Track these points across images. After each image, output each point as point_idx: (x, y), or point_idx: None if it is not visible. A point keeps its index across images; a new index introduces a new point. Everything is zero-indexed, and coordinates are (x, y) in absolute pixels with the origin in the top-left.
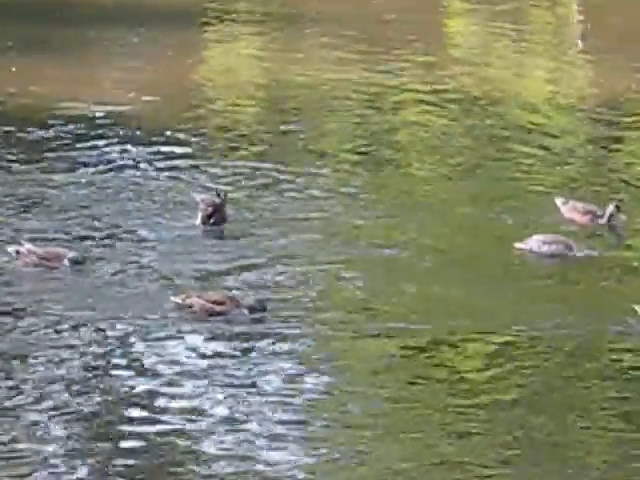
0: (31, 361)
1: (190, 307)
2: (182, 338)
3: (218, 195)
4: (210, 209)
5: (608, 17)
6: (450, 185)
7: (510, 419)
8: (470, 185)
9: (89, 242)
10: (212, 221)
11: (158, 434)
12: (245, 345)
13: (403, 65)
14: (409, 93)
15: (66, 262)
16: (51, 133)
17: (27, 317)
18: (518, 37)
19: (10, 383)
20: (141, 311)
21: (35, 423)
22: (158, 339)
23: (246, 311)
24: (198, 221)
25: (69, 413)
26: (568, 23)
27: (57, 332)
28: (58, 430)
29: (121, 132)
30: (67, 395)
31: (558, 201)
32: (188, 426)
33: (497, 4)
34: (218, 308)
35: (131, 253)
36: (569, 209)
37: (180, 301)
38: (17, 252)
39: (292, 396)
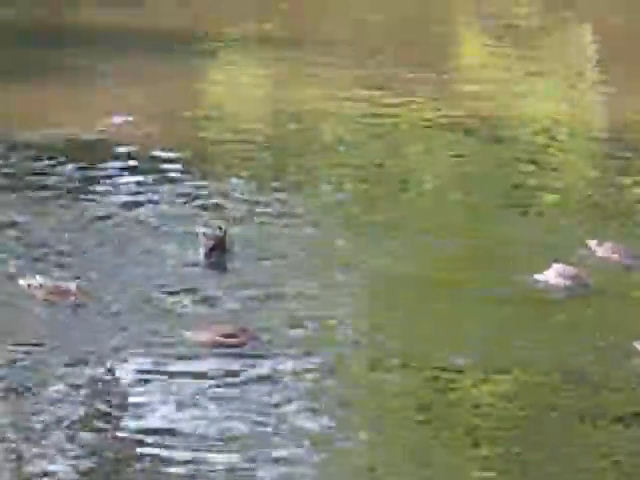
0: (38, 397)
1: (200, 341)
2: (194, 373)
3: (220, 228)
4: (211, 243)
5: (623, 40)
6: (463, 211)
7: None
8: (484, 211)
9: (91, 275)
10: (213, 256)
11: (167, 474)
12: (256, 379)
13: (411, 87)
14: (417, 115)
15: (73, 298)
16: (40, 161)
17: (34, 352)
18: (531, 58)
19: (16, 418)
20: (151, 346)
21: (41, 457)
22: (170, 375)
23: (263, 342)
24: (201, 255)
25: (75, 450)
26: (582, 45)
27: (65, 367)
28: (64, 467)
29: (117, 160)
30: (74, 432)
31: (592, 243)
32: (200, 467)
33: (508, 25)
34: (229, 341)
35: (135, 287)
36: (604, 249)
37: (190, 335)
38: (29, 285)
39: (299, 433)
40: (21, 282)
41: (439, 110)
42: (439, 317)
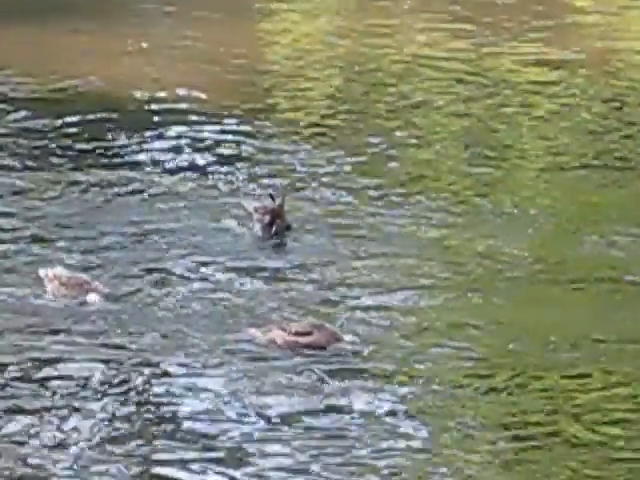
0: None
1: (272, 341)
2: (259, 377)
3: (272, 198)
4: (267, 217)
5: None
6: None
7: None
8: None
9: (130, 257)
10: (273, 231)
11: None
12: (333, 386)
13: (507, 41)
14: (518, 66)
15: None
16: (86, 121)
17: (63, 348)
18: None
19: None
20: (210, 345)
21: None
22: (233, 379)
23: (345, 343)
24: (257, 232)
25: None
26: None
27: (111, 369)
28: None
29: (168, 120)
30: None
31: None
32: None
33: None
34: (304, 340)
35: (186, 272)
36: None
37: (259, 335)
38: (49, 276)
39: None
40: (42, 272)
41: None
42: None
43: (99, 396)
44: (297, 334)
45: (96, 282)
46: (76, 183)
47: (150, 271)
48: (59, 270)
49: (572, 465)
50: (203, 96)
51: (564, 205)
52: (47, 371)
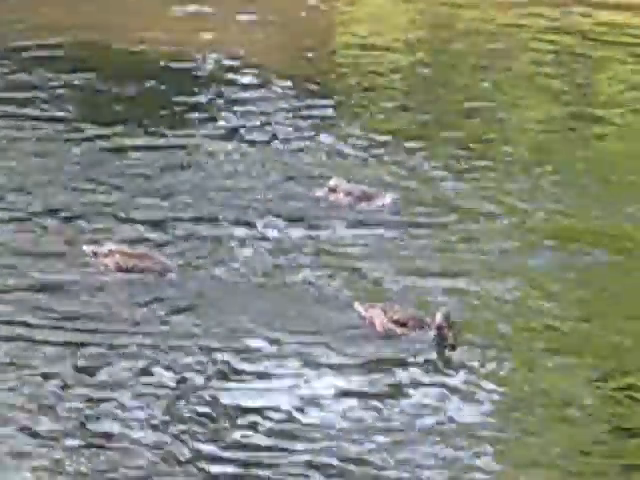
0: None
1: (370, 320)
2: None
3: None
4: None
5: None
6: None
7: None
8: None
9: (210, 229)
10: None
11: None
12: (420, 377)
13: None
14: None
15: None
16: (151, 86)
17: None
18: None
19: (110, 409)
20: (314, 321)
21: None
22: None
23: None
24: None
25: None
26: None
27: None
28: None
29: (240, 85)
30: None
31: None
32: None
33: None
34: (399, 331)
35: (250, 255)
36: None
37: (362, 310)
38: (94, 253)
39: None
40: (86, 249)
41: None
42: None
43: (181, 372)
44: (396, 322)
45: (162, 256)
46: (135, 148)
47: (218, 242)
48: (113, 245)
49: None
50: (277, 64)
51: None
52: (122, 340)
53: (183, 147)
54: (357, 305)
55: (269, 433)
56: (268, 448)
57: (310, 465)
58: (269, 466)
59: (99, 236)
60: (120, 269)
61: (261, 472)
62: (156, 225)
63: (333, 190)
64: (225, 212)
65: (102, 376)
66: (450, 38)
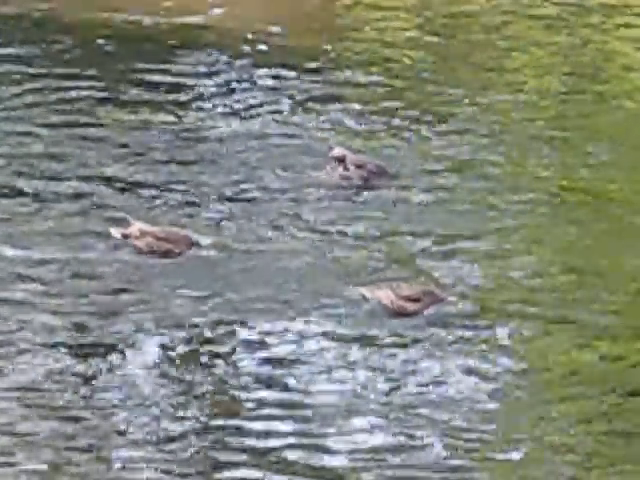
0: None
1: (379, 301)
2: (364, 340)
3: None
4: (363, 172)
5: None
6: None
7: None
8: None
9: (217, 211)
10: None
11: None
12: (434, 355)
13: None
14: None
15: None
16: (155, 62)
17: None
18: None
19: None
20: (312, 303)
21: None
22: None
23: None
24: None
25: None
26: None
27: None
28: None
29: (245, 65)
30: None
31: None
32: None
33: None
34: (411, 307)
35: (281, 225)
36: None
37: (368, 293)
38: (124, 236)
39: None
40: (113, 232)
41: None
42: None
43: (202, 351)
44: (406, 299)
45: (195, 235)
46: (151, 122)
47: (243, 222)
48: (143, 225)
49: None
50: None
51: None
52: (147, 316)
53: (188, 128)
54: (362, 289)
55: (278, 404)
56: (279, 418)
57: (313, 436)
58: (278, 434)
59: (120, 216)
60: (152, 251)
61: (273, 442)
62: (177, 204)
63: (341, 160)
64: (247, 191)
65: (128, 356)
66: None
